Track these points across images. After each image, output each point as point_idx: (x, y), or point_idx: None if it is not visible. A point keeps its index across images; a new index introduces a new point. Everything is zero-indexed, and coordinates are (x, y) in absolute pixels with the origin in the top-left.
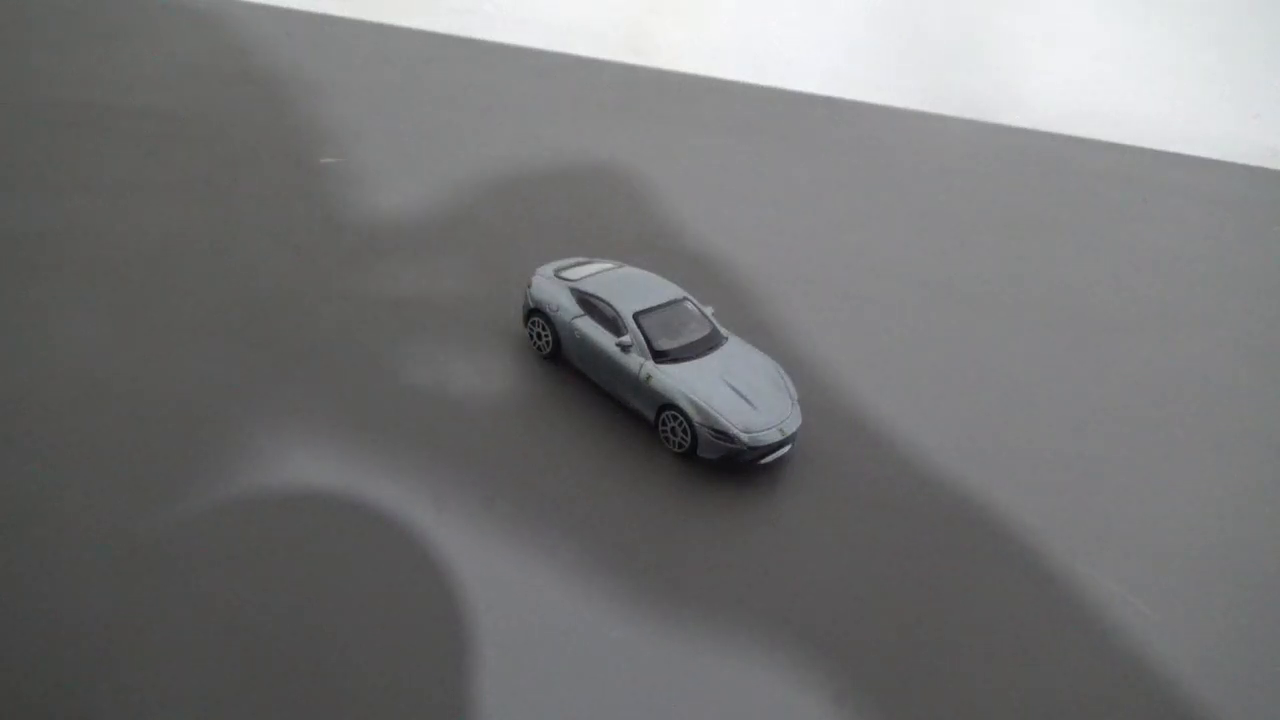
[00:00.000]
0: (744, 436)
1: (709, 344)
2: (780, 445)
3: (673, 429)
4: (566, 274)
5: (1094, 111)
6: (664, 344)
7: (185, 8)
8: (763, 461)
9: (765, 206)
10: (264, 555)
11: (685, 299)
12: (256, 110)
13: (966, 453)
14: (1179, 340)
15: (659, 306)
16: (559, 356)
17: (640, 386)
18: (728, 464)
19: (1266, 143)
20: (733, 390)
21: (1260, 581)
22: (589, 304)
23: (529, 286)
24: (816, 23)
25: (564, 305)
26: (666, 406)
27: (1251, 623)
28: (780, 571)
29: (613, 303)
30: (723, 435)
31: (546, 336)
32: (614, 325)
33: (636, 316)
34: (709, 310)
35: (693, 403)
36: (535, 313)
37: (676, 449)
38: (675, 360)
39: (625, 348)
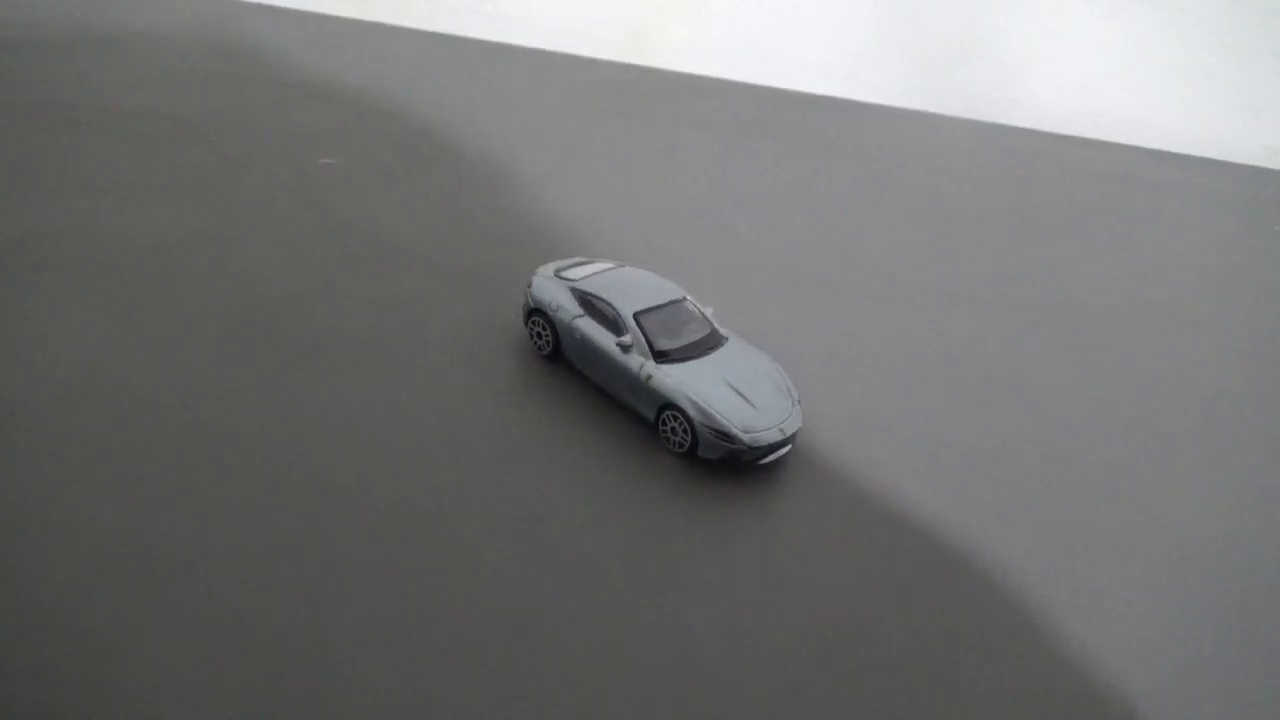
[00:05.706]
0: (744, 436)
1: (709, 344)
2: (780, 445)
3: (673, 429)
4: (566, 274)
5: (1094, 111)
6: (664, 344)
7: (185, 8)
8: (763, 461)
9: (765, 206)
10: (264, 556)
11: (685, 299)
12: (256, 110)
13: (966, 452)
14: (1179, 340)
15: (659, 306)
16: (559, 356)
17: (640, 386)
18: (728, 464)
19: (1266, 143)
20: (733, 390)
21: (1259, 582)
22: (589, 304)
23: (529, 286)
24: (816, 22)
25: (564, 305)
26: (667, 406)
27: (1250, 623)
28: (780, 571)
29: (613, 302)
30: (723, 435)
31: (546, 336)
32: (614, 325)
33: (637, 316)
34: (709, 310)
35: (693, 403)
36: (535, 313)
37: (676, 449)
38: (675, 360)
39: (625, 348)
